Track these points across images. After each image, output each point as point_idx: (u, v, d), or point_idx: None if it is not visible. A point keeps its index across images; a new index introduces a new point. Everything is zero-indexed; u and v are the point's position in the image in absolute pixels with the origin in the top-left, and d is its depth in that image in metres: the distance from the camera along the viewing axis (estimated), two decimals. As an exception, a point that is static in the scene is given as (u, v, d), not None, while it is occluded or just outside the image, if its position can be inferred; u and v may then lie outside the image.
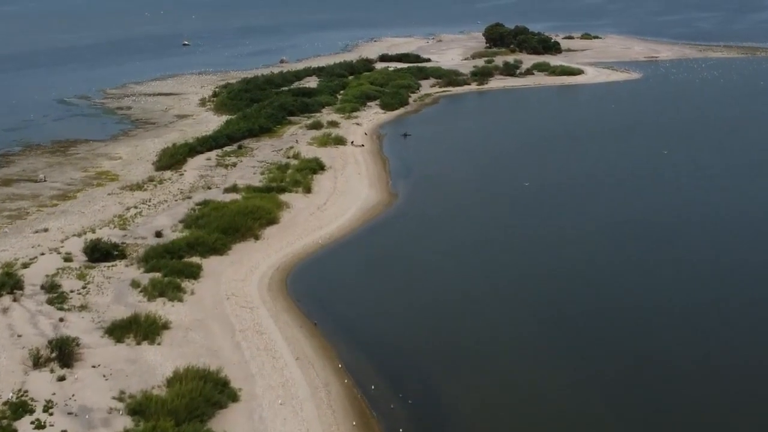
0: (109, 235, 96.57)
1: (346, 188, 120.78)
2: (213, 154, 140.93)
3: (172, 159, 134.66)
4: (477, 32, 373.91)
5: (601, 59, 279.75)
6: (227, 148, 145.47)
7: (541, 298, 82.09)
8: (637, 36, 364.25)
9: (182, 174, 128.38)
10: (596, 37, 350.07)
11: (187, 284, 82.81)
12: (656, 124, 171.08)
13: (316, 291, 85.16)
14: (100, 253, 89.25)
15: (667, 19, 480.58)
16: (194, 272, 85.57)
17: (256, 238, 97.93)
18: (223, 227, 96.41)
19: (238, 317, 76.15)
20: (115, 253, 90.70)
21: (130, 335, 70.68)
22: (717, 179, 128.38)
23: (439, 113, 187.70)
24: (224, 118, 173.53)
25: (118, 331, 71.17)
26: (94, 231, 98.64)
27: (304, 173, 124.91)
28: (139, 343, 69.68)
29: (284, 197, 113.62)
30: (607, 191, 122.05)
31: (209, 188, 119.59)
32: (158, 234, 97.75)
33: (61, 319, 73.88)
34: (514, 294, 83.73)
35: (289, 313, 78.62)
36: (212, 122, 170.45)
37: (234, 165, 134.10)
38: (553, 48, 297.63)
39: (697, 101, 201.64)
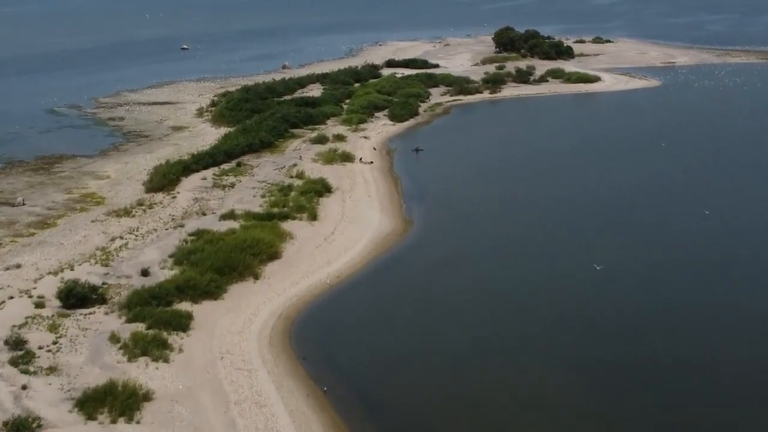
0: (90, 272, 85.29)
1: (355, 214, 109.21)
2: (209, 173, 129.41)
3: (165, 179, 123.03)
4: (485, 35, 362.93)
5: (616, 65, 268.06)
6: (225, 166, 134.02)
7: (582, 354, 70.43)
8: (649, 40, 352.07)
9: (175, 196, 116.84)
10: (608, 41, 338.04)
11: (175, 339, 71.31)
12: (687, 140, 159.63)
13: (324, 346, 73.76)
14: (76, 298, 77.86)
15: (678, 21, 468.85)
16: (184, 323, 74.03)
17: (256, 277, 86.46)
18: (218, 266, 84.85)
19: (234, 384, 64.57)
20: (94, 297, 79.26)
21: (104, 410, 59.10)
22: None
23: (451, 125, 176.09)
24: (222, 130, 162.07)
25: (90, 404, 59.86)
26: (72, 268, 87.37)
27: (308, 197, 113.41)
28: (114, 421, 58.40)
29: (287, 225, 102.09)
30: (647, 216, 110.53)
31: (204, 214, 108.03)
32: (144, 272, 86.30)
33: (24, 387, 62.71)
34: (549, 347, 72.16)
35: (294, 378, 67.10)
36: (209, 135, 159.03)
37: (232, 186, 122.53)
38: (566, 53, 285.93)
39: (724, 111, 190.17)
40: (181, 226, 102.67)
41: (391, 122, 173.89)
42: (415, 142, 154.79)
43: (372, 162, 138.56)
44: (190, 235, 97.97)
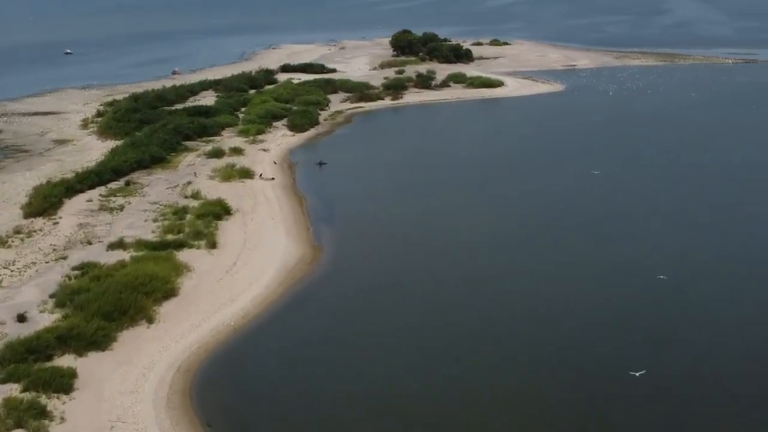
0: (-44, 320, 73.83)
1: (258, 240, 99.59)
2: (96, 194, 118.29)
3: (46, 202, 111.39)
4: (380, 38, 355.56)
5: (517, 68, 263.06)
6: (113, 185, 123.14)
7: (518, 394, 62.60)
8: (547, 42, 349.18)
9: (57, 222, 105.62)
10: (506, 44, 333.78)
11: (55, 404, 61.26)
12: (603, 147, 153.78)
13: (232, 407, 64.24)
14: (-64, 355, 66.68)
15: (575, 23, 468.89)
16: (66, 383, 63.85)
17: (150, 320, 76.37)
18: (106, 309, 74.44)
19: (127, 463, 54.57)
20: (-41, 352, 68.14)
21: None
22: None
23: (354, 135, 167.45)
24: (110, 143, 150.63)
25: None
26: (-65, 315, 75.77)
27: (206, 220, 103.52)
28: None
29: (184, 255, 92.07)
30: (572, 229, 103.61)
31: (90, 243, 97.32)
32: (21, 318, 75.83)
33: None
34: (481, 389, 64.09)
35: (198, 451, 57.28)
36: (96, 149, 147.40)
37: (121, 208, 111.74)
38: (465, 56, 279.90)
39: (633, 116, 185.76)
40: (64, 258, 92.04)
41: (291, 132, 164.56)
42: (317, 155, 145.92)
43: (273, 178, 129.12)
44: (74, 269, 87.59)
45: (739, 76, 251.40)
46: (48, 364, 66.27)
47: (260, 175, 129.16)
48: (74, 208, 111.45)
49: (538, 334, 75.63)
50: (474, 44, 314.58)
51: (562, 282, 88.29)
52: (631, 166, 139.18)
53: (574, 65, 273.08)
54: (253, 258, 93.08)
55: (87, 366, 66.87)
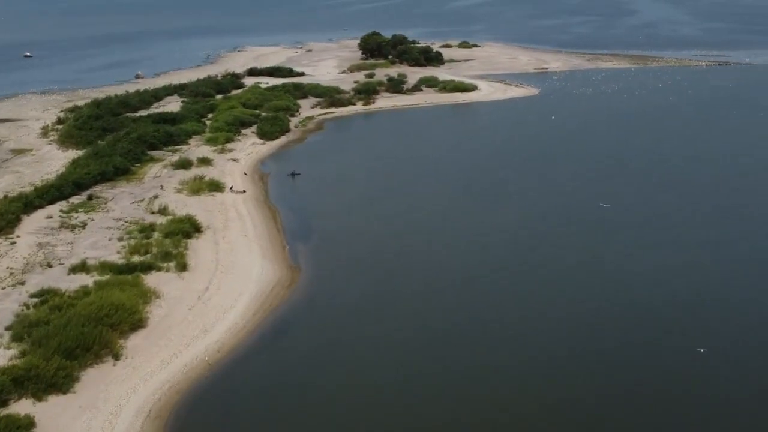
0: None
1: (231, 260, 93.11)
2: (56, 210, 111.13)
3: (2, 219, 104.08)
4: (347, 40, 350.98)
5: (488, 71, 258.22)
6: (75, 200, 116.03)
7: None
8: (517, 44, 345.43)
9: (14, 242, 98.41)
10: (475, 45, 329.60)
11: (11, 461, 54.05)
12: (587, 157, 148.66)
13: (209, 457, 57.54)
14: None
15: (541, 24, 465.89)
16: (22, 435, 56.82)
17: (116, 356, 69.81)
18: (67, 346, 67.59)
19: None
20: None
21: None
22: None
23: (327, 142, 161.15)
24: (71, 153, 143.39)
25: None
26: None
27: (175, 239, 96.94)
28: None
29: (152, 279, 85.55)
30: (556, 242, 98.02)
31: (50, 266, 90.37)
32: (-27, 355, 68.53)
33: None
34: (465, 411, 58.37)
35: None
36: (56, 160, 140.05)
37: (83, 225, 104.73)
38: (436, 59, 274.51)
39: (615, 121, 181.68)
40: (22, 283, 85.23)
41: (261, 140, 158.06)
42: (290, 165, 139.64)
43: (245, 191, 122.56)
44: (32, 296, 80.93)
45: (715, 80, 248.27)
46: (2, 412, 59.43)
47: (231, 188, 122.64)
48: (33, 226, 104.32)
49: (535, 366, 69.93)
50: (443, 46, 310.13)
51: (551, 296, 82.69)
52: (619, 174, 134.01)
53: (546, 68, 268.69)
54: (226, 282, 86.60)
55: (46, 412, 60.30)
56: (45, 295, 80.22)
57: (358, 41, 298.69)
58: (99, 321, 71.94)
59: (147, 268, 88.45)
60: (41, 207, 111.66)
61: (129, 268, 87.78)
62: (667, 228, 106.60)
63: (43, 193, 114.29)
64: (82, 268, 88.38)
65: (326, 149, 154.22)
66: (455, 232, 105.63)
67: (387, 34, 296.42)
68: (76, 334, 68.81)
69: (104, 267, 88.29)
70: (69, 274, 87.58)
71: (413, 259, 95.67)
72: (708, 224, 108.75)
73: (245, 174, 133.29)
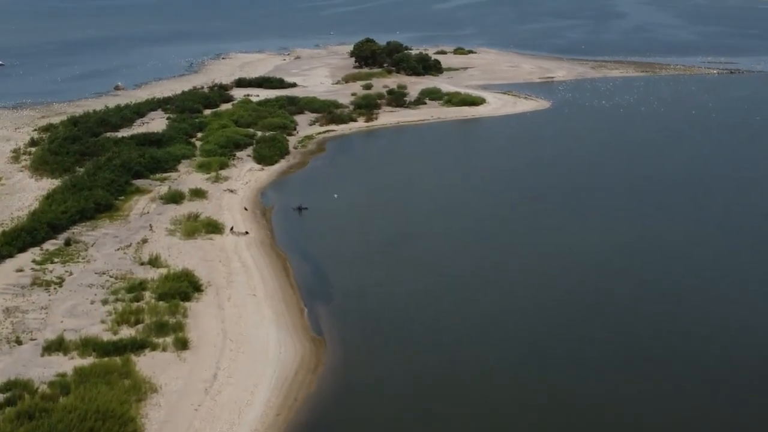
0: None
1: (241, 332, 76.71)
2: (28, 259, 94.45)
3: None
4: (335, 46, 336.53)
5: (491, 81, 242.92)
6: (50, 245, 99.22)
7: None
8: (513, 49, 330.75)
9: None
10: (471, 52, 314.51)
11: None
12: (631, 184, 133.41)
13: None
14: None
15: (530, 28, 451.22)
16: None
17: (105, 491, 52.78)
18: (41, 481, 50.87)
19: None
20: None
21: None
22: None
23: (331, 167, 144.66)
24: (45, 183, 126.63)
25: None
26: None
27: (171, 304, 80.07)
28: None
29: (146, 363, 69.21)
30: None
31: (19, 342, 73.75)
32: None
33: None
34: None
35: None
36: (29, 192, 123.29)
37: (60, 282, 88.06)
38: (434, 68, 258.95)
39: (646, 141, 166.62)
40: (-16, 369, 68.14)
41: (259, 166, 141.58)
42: (294, 196, 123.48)
43: (247, 232, 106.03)
44: (-3, 391, 63.83)
45: (731, 89, 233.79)
46: None
47: (231, 229, 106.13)
48: (0, 283, 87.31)
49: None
50: (438, 53, 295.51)
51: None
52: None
53: (552, 77, 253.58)
54: (238, 365, 70.14)
55: None
56: (12, 390, 63.50)
57: (348, 47, 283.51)
58: (82, 437, 55.21)
59: (139, 346, 72.02)
60: (10, 256, 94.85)
61: (117, 348, 71.19)
62: None
63: (12, 239, 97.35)
64: (59, 346, 71.86)
65: (331, 176, 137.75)
66: (502, 285, 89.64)
67: (371, 37, 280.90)
68: (53, 465, 52.09)
69: (87, 345, 71.85)
70: (43, 354, 71.08)
71: (460, 324, 79.74)
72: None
73: (245, 209, 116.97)
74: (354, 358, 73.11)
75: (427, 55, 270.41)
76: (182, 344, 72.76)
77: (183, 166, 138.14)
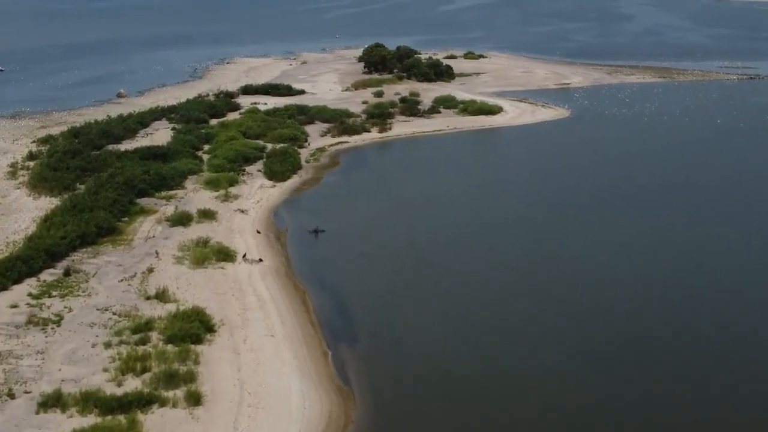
0: None
1: (259, 383, 68.73)
2: (24, 292, 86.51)
3: (-49, 312, 79.18)
4: (341, 50, 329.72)
5: (505, 87, 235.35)
6: (47, 274, 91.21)
7: None
8: (524, 54, 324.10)
9: (-34, 350, 73.35)
10: (482, 56, 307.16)
11: None
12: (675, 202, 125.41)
13: None
14: None
15: (537, 30, 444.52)
16: None
17: None
18: None
19: None
20: None
21: None
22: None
23: (347, 183, 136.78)
24: (44, 202, 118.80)
25: None
26: None
27: (182, 349, 72.07)
28: None
29: (154, 422, 61.45)
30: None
31: (12, 396, 65.76)
32: None
33: None
34: None
35: None
36: (26, 212, 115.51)
37: (58, 320, 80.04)
38: (446, 74, 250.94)
39: (676, 152, 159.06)
40: (-28, 431, 60.22)
41: (270, 182, 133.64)
42: (309, 217, 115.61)
43: (261, 260, 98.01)
44: (-15, 460, 55.86)
45: (754, 96, 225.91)
46: None
47: (244, 256, 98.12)
48: (-8, 320, 79.50)
49: None
50: (447, 57, 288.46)
51: None
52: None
53: (567, 83, 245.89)
54: (258, 424, 62.28)
55: None
56: (4, 462, 55.53)
57: (355, 51, 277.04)
58: None
59: (146, 402, 64.11)
60: (5, 289, 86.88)
61: (122, 404, 63.26)
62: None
63: (7, 269, 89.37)
64: (56, 401, 64.00)
65: (347, 193, 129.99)
66: (543, 326, 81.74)
67: (378, 41, 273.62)
68: None
69: (87, 400, 63.94)
70: (38, 411, 63.22)
71: (499, 365, 71.84)
72: None
73: (258, 232, 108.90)
74: (386, 414, 65.32)
75: (438, 60, 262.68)
76: (195, 399, 64.79)
77: (190, 183, 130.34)
